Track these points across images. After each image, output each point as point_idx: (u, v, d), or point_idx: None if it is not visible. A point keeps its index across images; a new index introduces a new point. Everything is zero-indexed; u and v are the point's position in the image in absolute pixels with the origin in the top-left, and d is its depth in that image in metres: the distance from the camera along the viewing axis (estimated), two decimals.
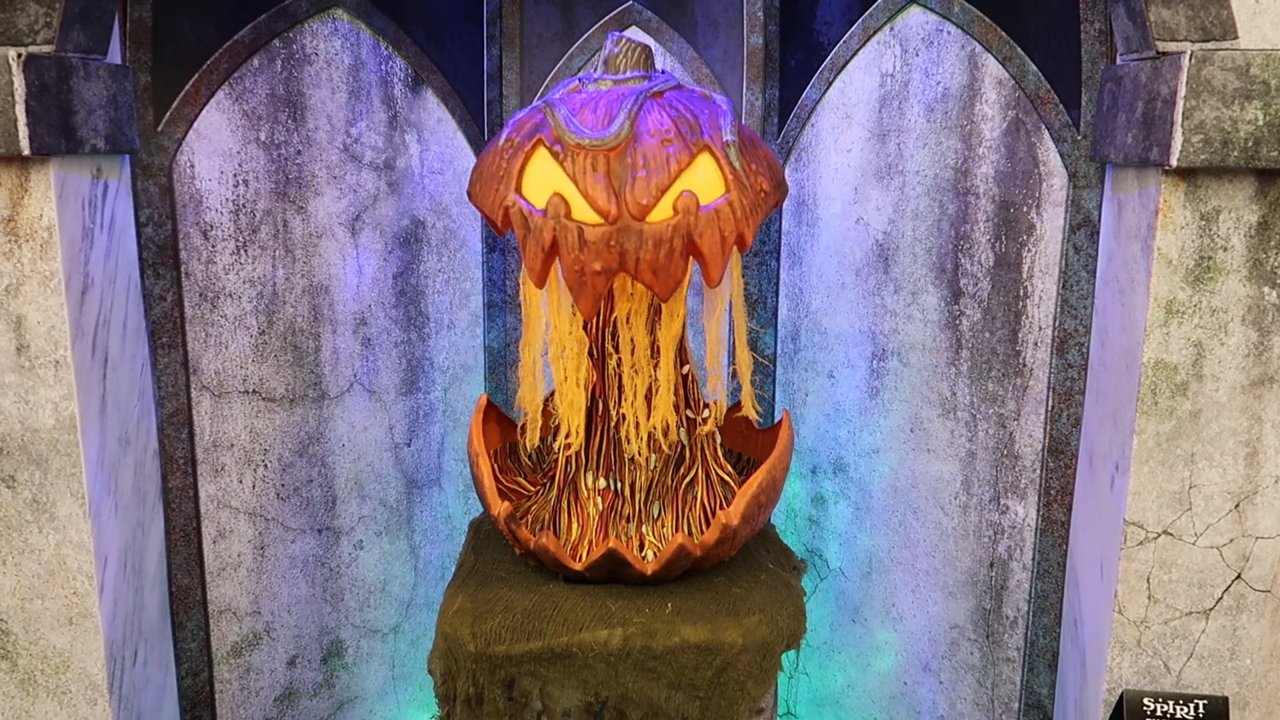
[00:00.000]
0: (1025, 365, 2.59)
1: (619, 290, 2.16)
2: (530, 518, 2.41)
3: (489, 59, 2.90)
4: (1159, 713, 2.17)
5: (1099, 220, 2.39)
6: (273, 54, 2.58)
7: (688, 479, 2.33)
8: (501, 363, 3.08)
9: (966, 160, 2.63)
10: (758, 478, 2.22)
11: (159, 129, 2.44)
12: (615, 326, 2.21)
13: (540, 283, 2.09)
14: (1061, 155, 2.45)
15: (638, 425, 2.21)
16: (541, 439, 2.45)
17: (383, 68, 2.76)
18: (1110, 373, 2.29)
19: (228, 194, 2.58)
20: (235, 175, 2.58)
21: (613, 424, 2.24)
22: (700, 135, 2.02)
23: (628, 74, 2.13)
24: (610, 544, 2.14)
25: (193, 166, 2.51)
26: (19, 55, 1.89)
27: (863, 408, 2.96)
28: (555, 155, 2.01)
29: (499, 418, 2.58)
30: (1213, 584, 2.19)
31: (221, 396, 2.66)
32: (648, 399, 2.21)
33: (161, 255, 2.49)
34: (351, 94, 2.72)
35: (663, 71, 2.20)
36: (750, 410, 2.38)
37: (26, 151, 1.92)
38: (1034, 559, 2.64)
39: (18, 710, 2.25)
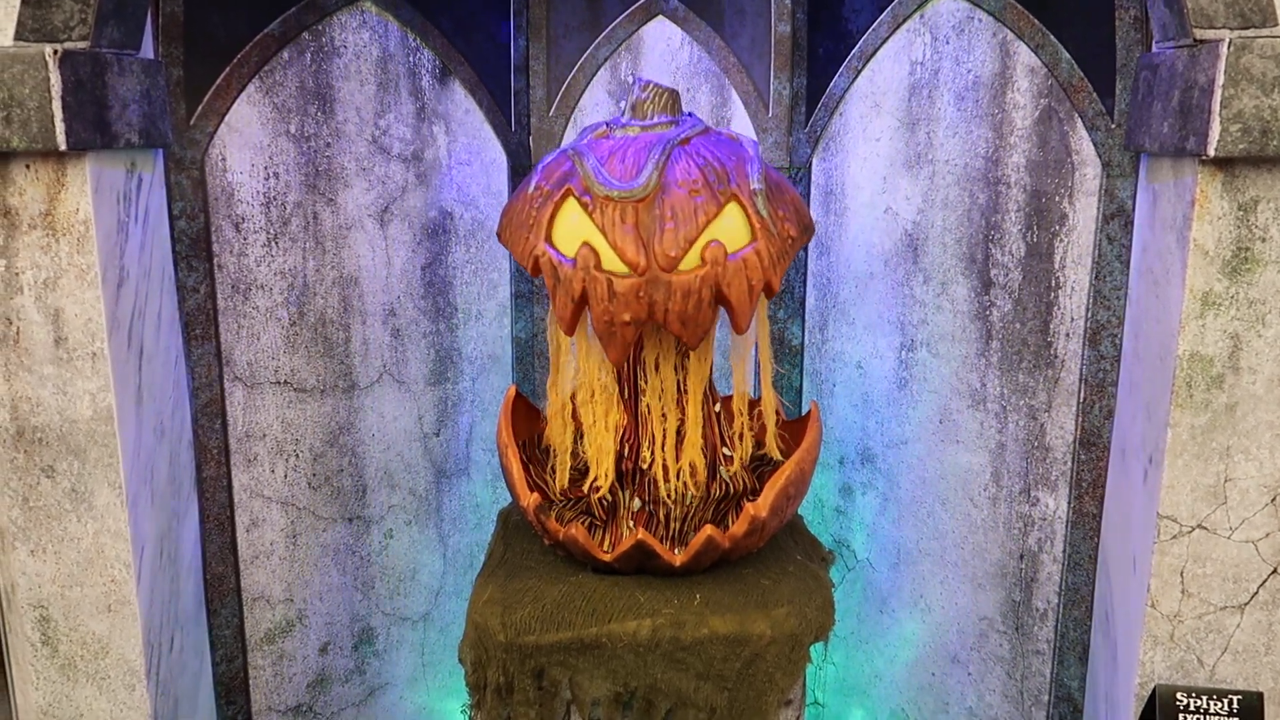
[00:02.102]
0: (1057, 356, 2.57)
1: (646, 334, 2.17)
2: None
3: (516, 50, 2.91)
4: (1192, 708, 2.15)
5: (1133, 210, 2.36)
6: (302, 47, 2.60)
7: (722, 514, 2.33)
8: (529, 353, 3.10)
9: (997, 149, 2.60)
10: (786, 470, 2.22)
11: (191, 123, 2.46)
12: (645, 365, 2.23)
13: (570, 331, 2.11)
14: (1095, 144, 2.41)
15: (666, 468, 2.23)
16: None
17: (410, 59, 2.77)
18: (1144, 365, 2.26)
19: (259, 187, 2.60)
20: (266, 168, 2.60)
21: (646, 464, 2.26)
22: (728, 184, 2.03)
23: (655, 119, 2.14)
24: (639, 535, 2.14)
25: (224, 160, 2.53)
26: (55, 51, 1.92)
27: (891, 399, 2.95)
28: (584, 206, 2.03)
29: (527, 408, 2.59)
30: (1248, 578, 2.16)
31: (254, 387, 2.69)
32: (677, 441, 2.22)
33: (194, 248, 2.52)
34: (380, 86, 2.73)
35: (690, 115, 2.21)
36: (774, 450, 2.38)
37: (63, 147, 1.95)
38: (1065, 551, 2.62)
39: (59, 695, 2.30)
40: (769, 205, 2.05)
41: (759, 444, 2.42)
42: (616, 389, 2.24)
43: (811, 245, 3.02)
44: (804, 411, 3.09)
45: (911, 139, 2.77)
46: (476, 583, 2.31)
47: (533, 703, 2.13)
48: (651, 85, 2.16)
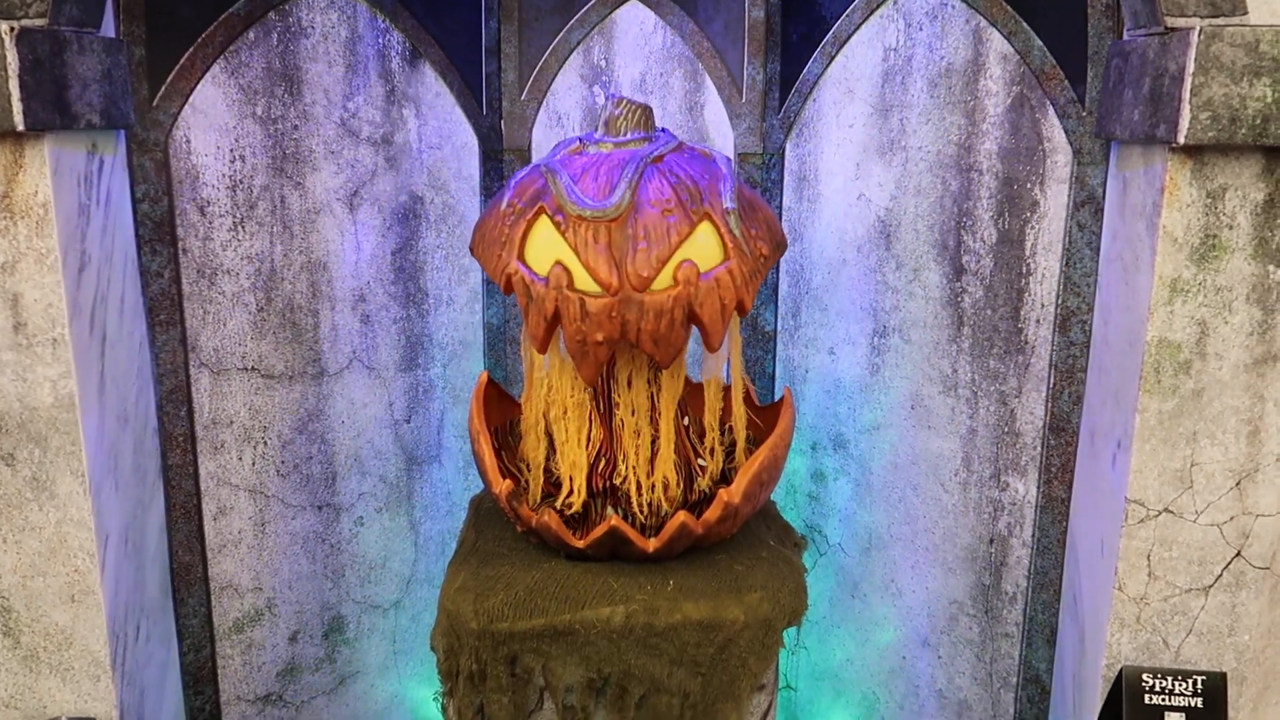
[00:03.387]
0: (1027, 342, 2.59)
1: (619, 351, 2.17)
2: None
3: (487, 32, 2.87)
4: (1158, 688, 2.19)
5: (1103, 197, 2.38)
6: (268, 27, 2.55)
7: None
8: (501, 339, 3.07)
9: (970, 136, 2.61)
10: (759, 456, 2.22)
11: (154, 104, 2.41)
12: (618, 381, 2.24)
13: (543, 349, 2.12)
14: (1066, 131, 2.43)
15: (639, 485, 2.24)
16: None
17: (380, 41, 2.73)
18: (1113, 351, 2.28)
19: (224, 169, 2.55)
20: (232, 150, 2.55)
21: (620, 479, 2.27)
22: (700, 203, 2.03)
23: (628, 136, 2.14)
24: (612, 521, 2.14)
25: (189, 142, 2.48)
26: (11, 29, 1.86)
27: (863, 384, 2.96)
28: (557, 225, 2.03)
29: (499, 395, 2.57)
30: (1213, 561, 2.20)
31: (220, 374, 2.65)
32: (651, 457, 2.23)
33: (158, 232, 2.47)
34: (349, 68, 2.68)
35: (663, 130, 2.21)
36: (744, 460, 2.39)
37: (21, 127, 1.89)
38: (1034, 535, 2.65)
39: (21, 687, 2.26)
40: (741, 224, 2.06)
41: (730, 455, 2.43)
42: (590, 405, 2.24)
43: (785, 231, 3.02)
44: (777, 398, 3.10)
45: (884, 125, 2.77)
46: (448, 570, 2.30)
47: (506, 690, 2.13)
48: (625, 101, 2.16)
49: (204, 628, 2.73)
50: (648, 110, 2.18)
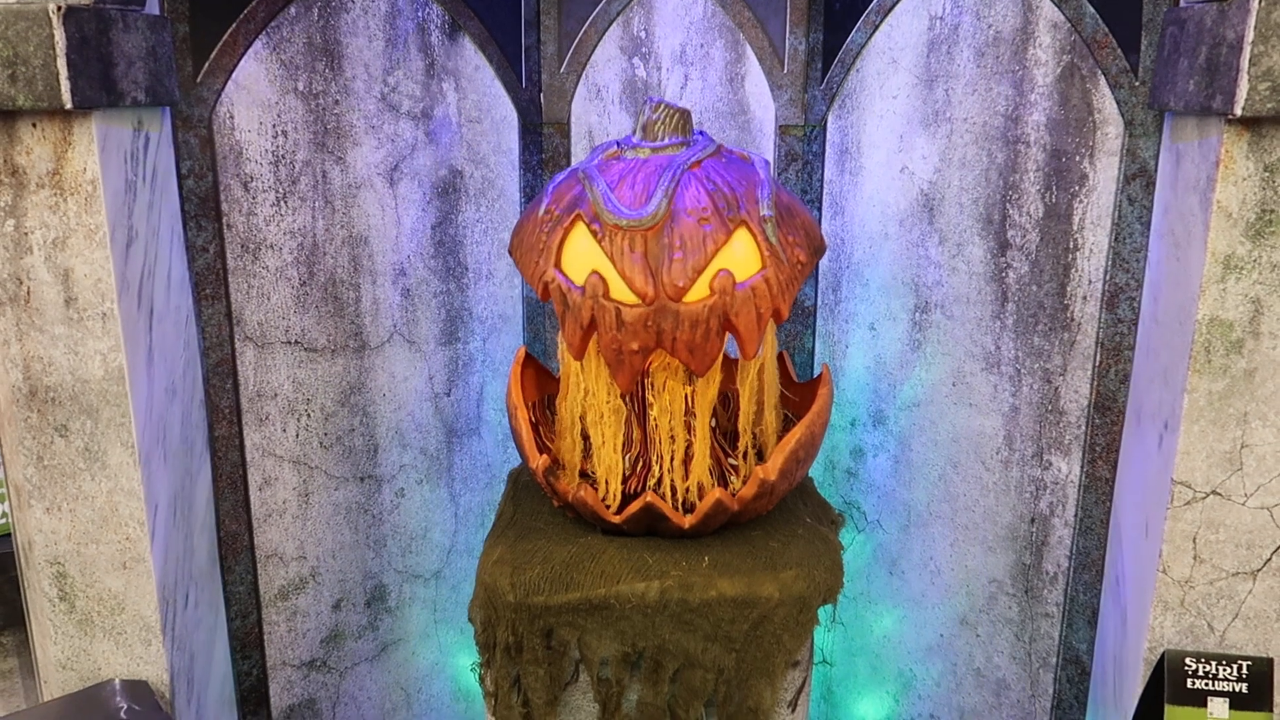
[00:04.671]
0: (1073, 320, 2.53)
1: (655, 356, 2.17)
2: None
3: (526, 5, 2.85)
4: (1201, 673, 2.15)
5: (1155, 171, 2.31)
6: (309, 2, 2.55)
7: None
8: (540, 313, 3.08)
9: (1017, 107, 2.54)
10: (796, 433, 2.21)
11: (198, 80, 2.43)
12: (654, 384, 2.24)
13: (579, 356, 2.13)
14: (1118, 102, 2.36)
15: (674, 488, 2.24)
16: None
17: (419, 14, 2.72)
18: (1162, 329, 2.23)
19: (267, 145, 2.58)
20: (274, 126, 2.57)
21: (654, 480, 2.27)
22: (737, 210, 2.02)
23: (665, 141, 2.12)
24: (648, 498, 2.15)
25: (232, 118, 2.51)
26: (58, 7, 1.89)
27: (904, 361, 2.92)
28: (594, 233, 2.02)
29: (537, 369, 2.59)
30: (1261, 545, 2.15)
31: (264, 347, 2.69)
32: (685, 460, 2.23)
33: (203, 207, 2.51)
34: (388, 42, 2.69)
35: (701, 134, 2.18)
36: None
37: (69, 105, 1.93)
38: (1076, 515, 2.61)
39: (77, 649, 2.33)
40: (779, 232, 2.04)
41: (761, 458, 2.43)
42: (626, 410, 2.25)
43: (826, 205, 2.98)
44: (815, 373, 3.07)
45: (929, 96, 2.71)
46: (486, 543, 2.32)
47: (541, 662, 2.15)
48: (663, 106, 2.15)
49: (250, 595, 2.80)
50: (685, 114, 2.16)
